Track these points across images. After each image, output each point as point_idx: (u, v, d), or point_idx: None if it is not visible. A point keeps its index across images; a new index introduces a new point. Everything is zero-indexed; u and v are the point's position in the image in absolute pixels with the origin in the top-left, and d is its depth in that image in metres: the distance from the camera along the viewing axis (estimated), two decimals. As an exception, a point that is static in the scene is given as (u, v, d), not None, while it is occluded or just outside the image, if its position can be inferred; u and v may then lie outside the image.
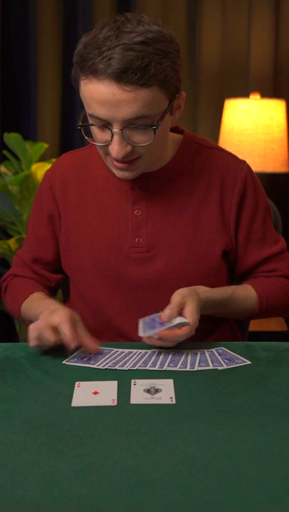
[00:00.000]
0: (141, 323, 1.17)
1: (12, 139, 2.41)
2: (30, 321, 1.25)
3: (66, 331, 1.11)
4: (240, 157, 1.41)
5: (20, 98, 2.67)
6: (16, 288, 1.41)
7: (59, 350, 1.17)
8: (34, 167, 2.32)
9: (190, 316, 1.15)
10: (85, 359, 1.14)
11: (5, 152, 2.44)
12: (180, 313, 1.16)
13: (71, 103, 2.67)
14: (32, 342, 1.15)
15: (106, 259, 1.30)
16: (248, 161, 1.43)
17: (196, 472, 0.77)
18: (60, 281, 1.45)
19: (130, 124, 1.13)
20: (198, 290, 1.22)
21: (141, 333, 1.14)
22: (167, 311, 1.14)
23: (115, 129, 1.14)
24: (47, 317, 1.15)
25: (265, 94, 2.58)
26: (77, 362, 1.13)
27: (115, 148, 1.15)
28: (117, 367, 1.10)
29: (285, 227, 1.62)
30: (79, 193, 1.35)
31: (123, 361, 1.12)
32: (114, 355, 1.15)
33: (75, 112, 2.67)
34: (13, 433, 0.87)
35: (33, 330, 1.14)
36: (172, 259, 1.29)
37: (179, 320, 1.13)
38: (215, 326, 1.39)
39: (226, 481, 0.75)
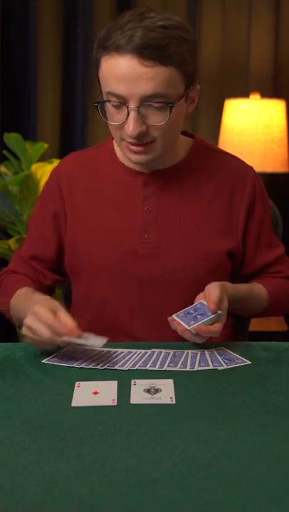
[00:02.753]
0: (178, 319, 1.16)
1: (12, 139, 2.41)
2: (18, 320, 1.28)
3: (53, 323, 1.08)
4: (240, 157, 1.42)
5: (21, 98, 2.67)
6: (7, 283, 1.39)
7: (57, 350, 1.17)
8: (34, 167, 2.32)
9: (224, 311, 1.17)
10: (65, 358, 1.14)
11: (5, 152, 2.44)
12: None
13: (71, 103, 2.67)
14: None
15: (114, 255, 1.30)
16: (248, 161, 1.44)
17: (196, 472, 0.77)
18: (56, 281, 1.44)
19: (146, 102, 1.15)
20: (226, 286, 1.23)
21: (186, 327, 1.14)
22: (213, 306, 1.14)
23: (132, 106, 1.15)
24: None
25: (265, 94, 2.58)
26: (56, 361, 1.13)
27: (130, 126, 1.16)
28: (117, 367, 1.10)
29: (285, 227, 1.62)
30: (86, 191, 1.35)
31: (123, 361, 1.12)
32: (113, 355, 1.15)
33: (75, 112, 2.67)
34: (13, 433, 0.87)
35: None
36: (180, 255, 1.30)
37: (215, 314, 1.14)
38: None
39: (226, 481, 0.75)
